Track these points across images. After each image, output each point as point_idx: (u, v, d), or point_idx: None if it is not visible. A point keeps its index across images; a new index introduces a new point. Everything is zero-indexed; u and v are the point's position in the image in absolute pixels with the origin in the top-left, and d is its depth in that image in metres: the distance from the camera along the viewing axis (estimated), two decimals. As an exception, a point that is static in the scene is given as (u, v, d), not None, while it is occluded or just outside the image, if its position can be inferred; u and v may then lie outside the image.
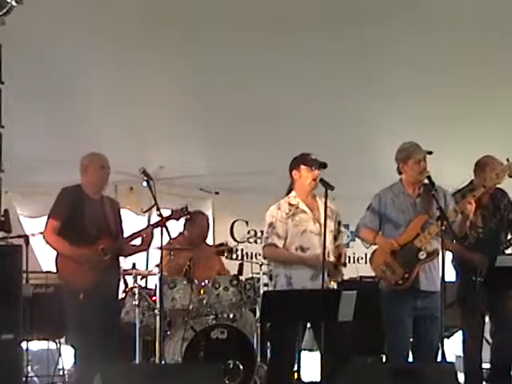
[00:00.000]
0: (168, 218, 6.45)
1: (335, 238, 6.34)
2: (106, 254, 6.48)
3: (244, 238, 9.87)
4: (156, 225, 6.54)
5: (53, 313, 7.12)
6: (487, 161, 6.84)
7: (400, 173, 6.43)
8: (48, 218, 6.57)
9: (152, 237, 6.66)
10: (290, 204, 6.23)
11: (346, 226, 9.95)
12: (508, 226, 6.96)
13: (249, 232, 10.03)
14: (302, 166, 6.22)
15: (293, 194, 6.28)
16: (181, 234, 8.28)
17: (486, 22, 7.18)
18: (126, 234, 6.72)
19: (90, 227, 6.51)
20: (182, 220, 8.12)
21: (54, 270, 6.68)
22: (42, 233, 6.67)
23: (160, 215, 6.35)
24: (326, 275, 5.86)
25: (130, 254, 7.03)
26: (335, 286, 6.22)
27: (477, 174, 6.90)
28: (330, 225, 6.24)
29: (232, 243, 9.39)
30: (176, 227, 8.17)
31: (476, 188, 6.63)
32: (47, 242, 6.64)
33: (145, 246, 6.78)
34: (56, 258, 6.56)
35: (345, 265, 6.32)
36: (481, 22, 7.19)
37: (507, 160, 6.39)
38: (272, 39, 7.19)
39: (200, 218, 8.42)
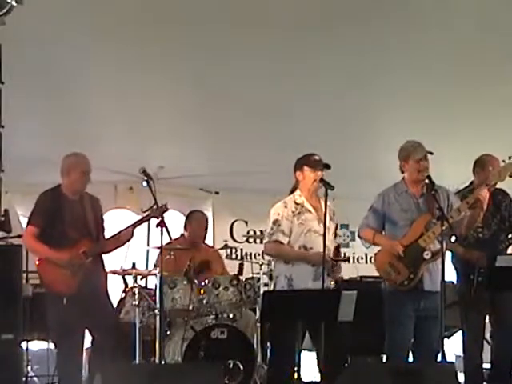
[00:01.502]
0: (147, 218, 6.48)
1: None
2: (87, 257, 6.44)
3: (243, 238, 9.86)
4: (135, 225, 6.55)
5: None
6: (487, 159, 6.84)
7: (402, 171, 6.44)
8: (27, 225, 6.55)
9: (131, 236, 6.64)
10: (295, 203, 6.24)
11: (346, 226, 9.99)
12: (509, 228, 6.96)
13: (248, 232, 10.02)
14: (306, 167, 6.23)
15: (297, 192, 6.29)
16: (182, 235, 8.28)
17: (485, 22, 7.17)
18: (110, 230, 6.68)
19: (69, 230, 6.47)
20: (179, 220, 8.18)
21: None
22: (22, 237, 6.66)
23: (160, 215, 6.35)
24: (326, 275, 5.88)
25: (111, 251, 6.89)
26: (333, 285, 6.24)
27: (476, 173, 6.91)
28: (332, 225, 6.27)
29: (231, 243, 9.40)
30: (177, 228, 8.19)
31: (477, 187, 6.63)
32: (27, 247, 6.64)
33: (120, 242, 6.67)
34: (37, 265, 6.51)
35: (344, 260, 6.36)
36: (481, 22, 7.17)
37: (509, 158, 6.38)
38: (272, 39, 7.18)
39: (197, 217, 8.42)
